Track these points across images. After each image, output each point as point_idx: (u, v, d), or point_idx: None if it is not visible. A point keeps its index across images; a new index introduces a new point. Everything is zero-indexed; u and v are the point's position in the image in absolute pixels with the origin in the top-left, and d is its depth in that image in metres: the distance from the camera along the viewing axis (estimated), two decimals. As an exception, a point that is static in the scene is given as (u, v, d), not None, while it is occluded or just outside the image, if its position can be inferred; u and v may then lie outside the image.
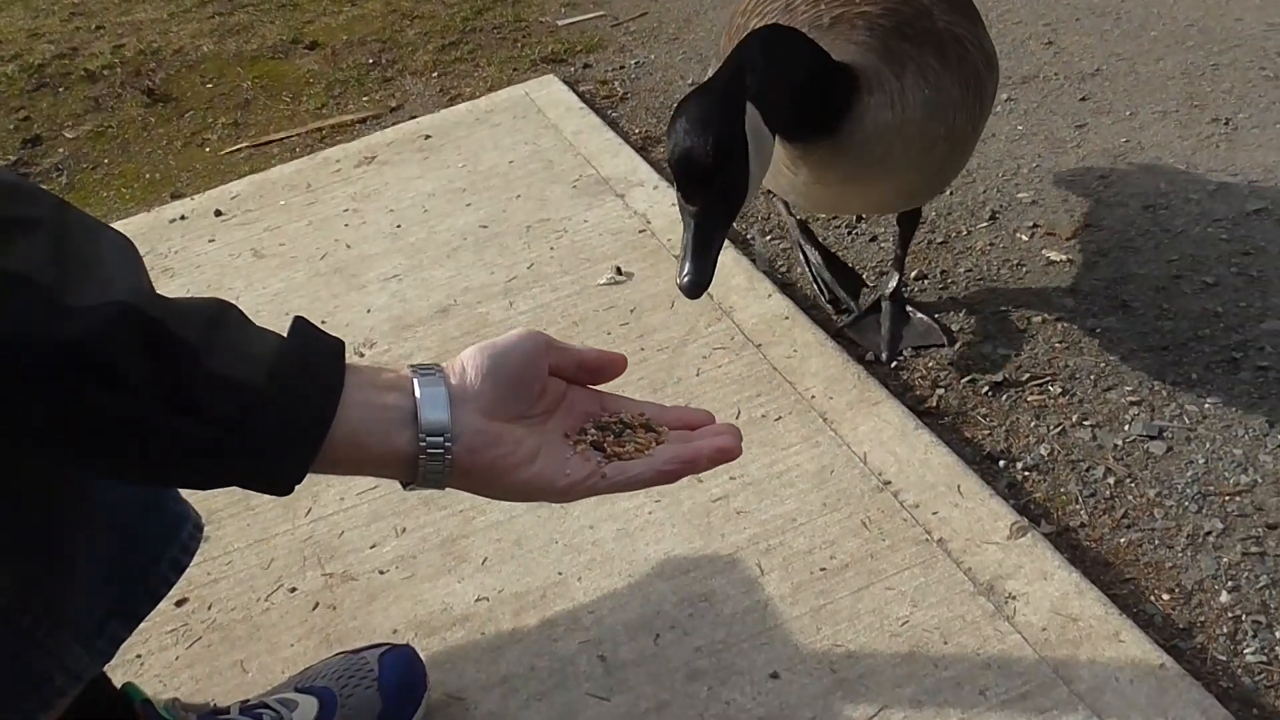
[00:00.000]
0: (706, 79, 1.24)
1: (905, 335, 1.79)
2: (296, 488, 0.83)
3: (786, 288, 1.95)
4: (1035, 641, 1.24)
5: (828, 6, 1.47)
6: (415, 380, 0.86)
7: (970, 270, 1.95)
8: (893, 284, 1.82)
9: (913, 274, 1.95)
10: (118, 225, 2.46)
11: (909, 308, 1.83)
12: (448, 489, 0.88)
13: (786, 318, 1.80)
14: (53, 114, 3.17)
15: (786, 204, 1.93)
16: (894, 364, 1.75)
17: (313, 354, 0.83)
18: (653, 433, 0.89)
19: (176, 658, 1.42)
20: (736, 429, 0.89)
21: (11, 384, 0.73)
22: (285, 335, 0.84)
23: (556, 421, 0.91)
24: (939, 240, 2.04)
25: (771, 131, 1.23)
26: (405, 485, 0.89)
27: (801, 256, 1.96)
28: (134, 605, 1.02)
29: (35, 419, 0.75)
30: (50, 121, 3.14)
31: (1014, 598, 1.29)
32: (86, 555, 0.97)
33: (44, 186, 2.80)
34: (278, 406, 0.80)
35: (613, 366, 0.94)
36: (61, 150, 3.00)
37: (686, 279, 1.16)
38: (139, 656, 1.42)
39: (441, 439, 0.84)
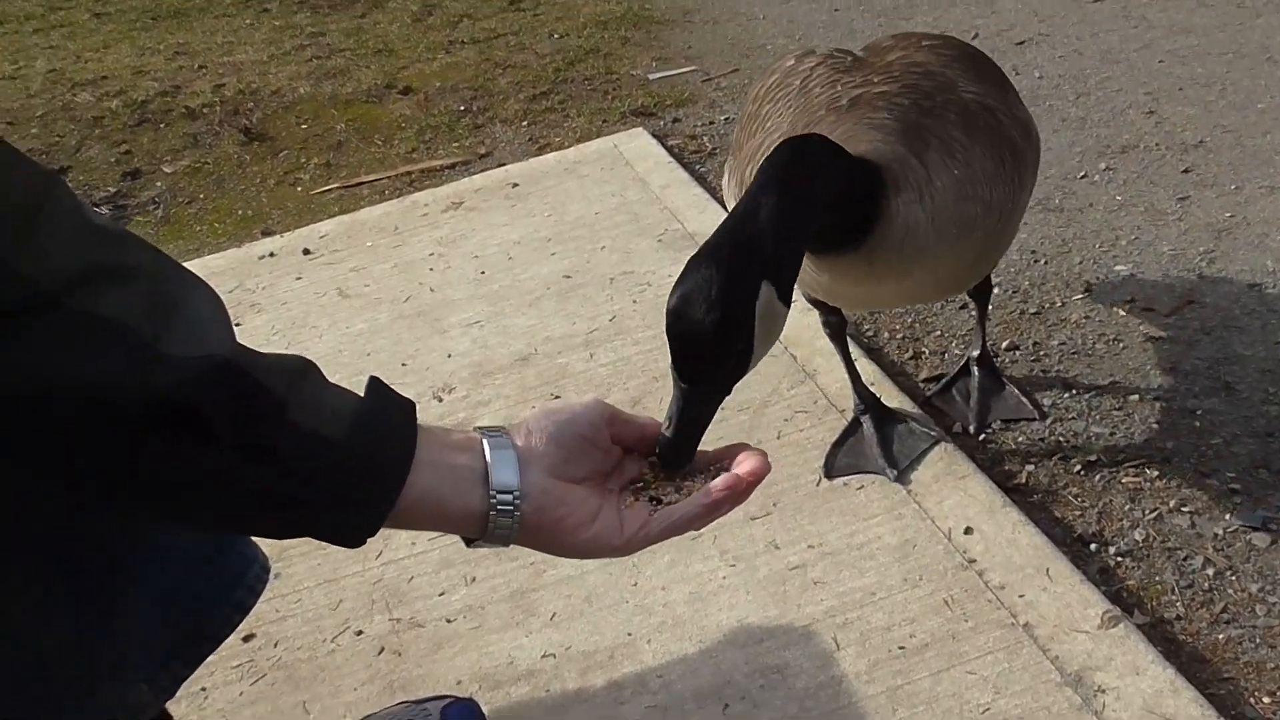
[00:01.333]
0: (720, 232, 1.04)
1: (994, 407, 1.73)
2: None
3: (873, 352, 1.91)
4: (1126, 739, 1.18)
5: (844, 88, 1.36)
6: (485, 441, 0.88)
7: (1064, 343, 1.89)
8: (977, 351, 1.77)
9: (1004, 344, 1.90)
10: (209, 259, 2.53)
11: (998, 378, 1.77)
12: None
13: (873, 383, 1.75)
14: (153, 149, 3.25)
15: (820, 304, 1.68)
16: (981, 436, 1.70)
17: (388, 413, 0.86)
18: (702, 474, 0.93)
19: (240, 693, 1.40)
20: (761, 451, 0.92)
21: (103, 432, 0.73)
22: (362, 395, 0.85)
23: (613, 483, 0.94)
24: (1032, 311, 1.99)
25: (786, 305, 1.07)
26: (469, 543, 0.90)
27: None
28: (197, 645, 1.02)
29: (123, 467, 0.75)
30: (150, 156, 3.21)
31: (1104, 691, 1.23)
32: (150, 595, 0.97)
33: (141, 219, 2.88)
34: (357, 461, 0.81)
35: None
36: (159, 184, 3.07)
37: (666, 456, 0.98)
38: (204, 689, 1.41)
39: (511, 497, 0.86)
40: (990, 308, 1.83)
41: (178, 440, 0.75)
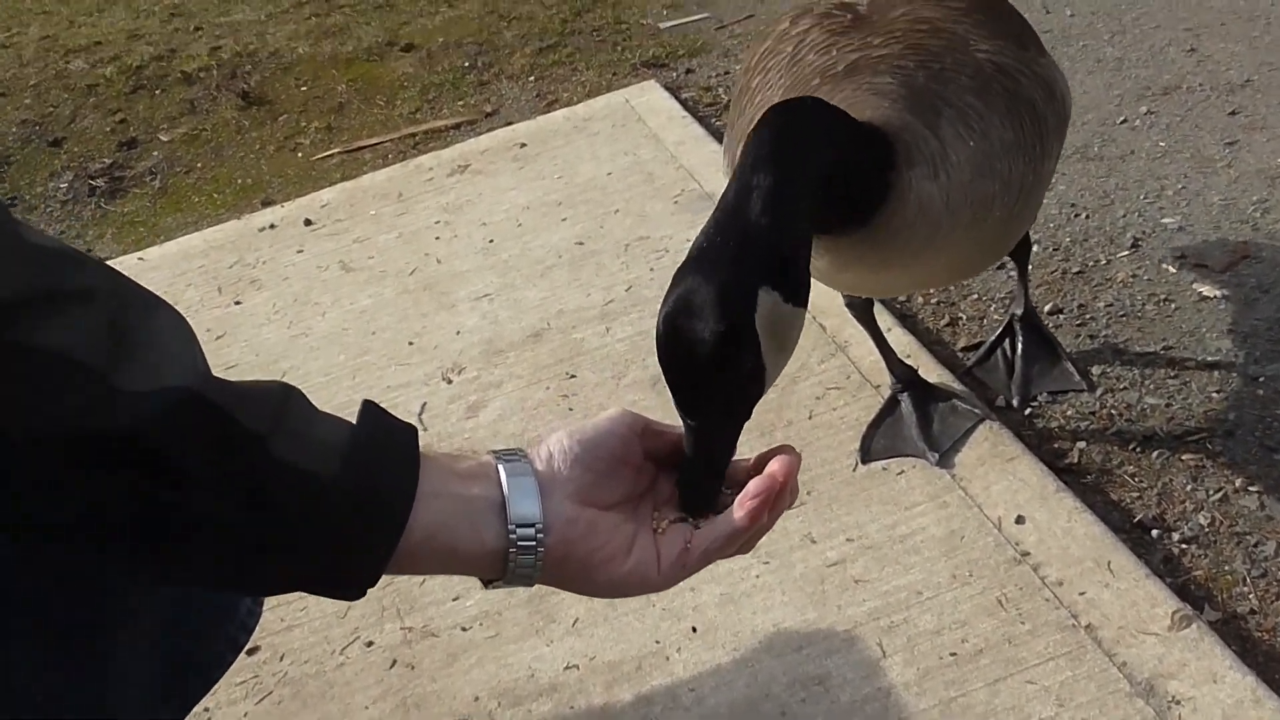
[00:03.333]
0: (707, 231, 0.89)
1: (1039, 377, 1.62)
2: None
3: (906, 320, 1.80)
4: (1206, 757, 1.08)
5: (840, 53, 1.21)
6: (500, 467, 0.78)
7: (1111, 305, 1.77)
8: (1020, 309, 1.63)
9: (1046, 307, 1.79)
10: (208, 233, 2.42)
11: (1045, 340, 1.64)
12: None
13: (908, 355, 1.64)
14: (149, 117, 3.13)
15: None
16: (1027, 410, 1.59)
17: (386, 441, 0.75)
18: (739, 487, 0.82)
19: (245, 714, 1.32)
20: (787, 447, 0.83)
21: (58, 480, 0.63)
22: (355, 422, 0.76)
23: (647, 506, 0.84)
24: (1074, 270, 1.87)
25: (798, 306, 0.91)
26: (487, 584, 0.80)
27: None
28: (188, 690, 0.93)
29: (85, 518, 0.65)
30: (146, 124, 3.10)
31: (1178, 702, 1.13)
32: (135, 645, 0.88)
33: (138, 192, 2.77)
34: (352, 498, 0.72)
35: None
36: (156, 153, 2.95)
37: (687, 503, 0.85)
38: (207, 710, 1.33)
39: (533, 530, 0.76)
40: (1030, 266, 1.71)
41: (146, 484, 0.65)
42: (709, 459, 0.83)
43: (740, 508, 0.79)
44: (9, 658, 0.83)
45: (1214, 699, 1.12)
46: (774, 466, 0.80)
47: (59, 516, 0.65)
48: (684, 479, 0.84)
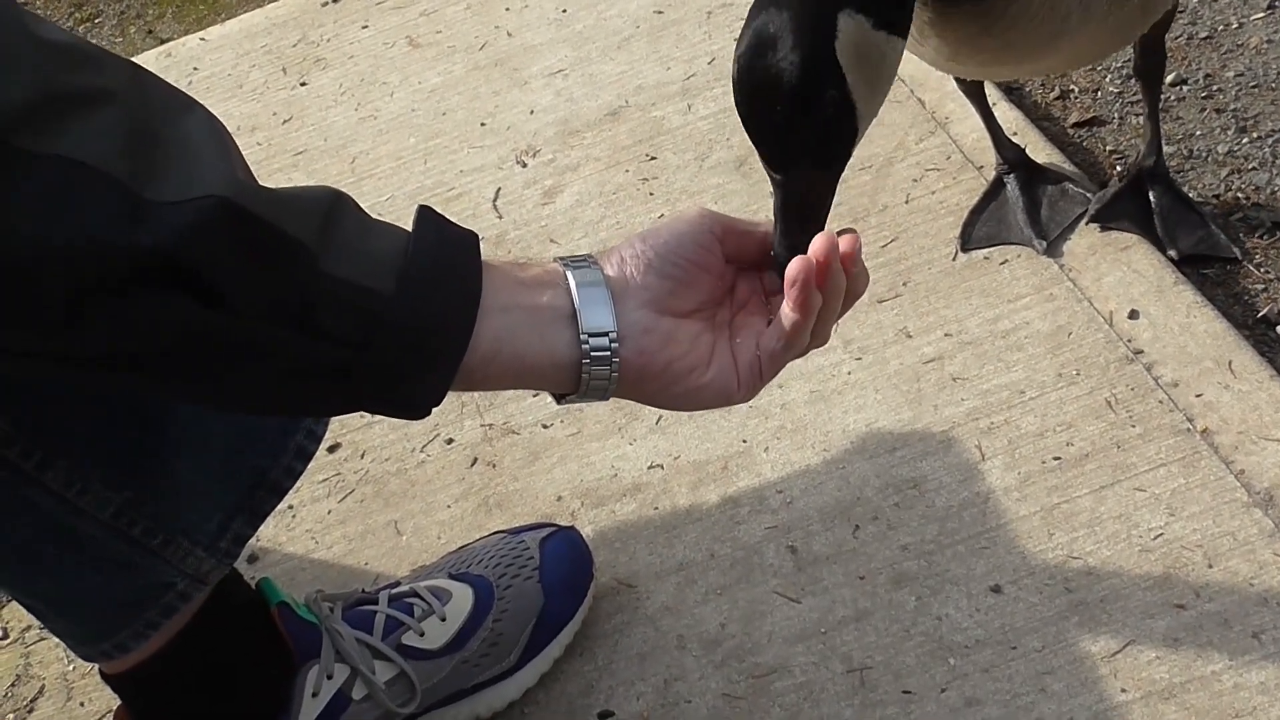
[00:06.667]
0: None
1: (1179, 237, 1.37)
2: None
3: (1013, 93, 1.66)
4: (1327, 573, 1.02)
5: None
6: (569, 274, 0.72)
7: (1242, 75, 1.61)
8: (1150, 160, 1.39)
9: (1169, 78, 1.63)
10: (269, 9, 2.31)
11: (1179, 197, 1.39)
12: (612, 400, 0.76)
13: (1015, 132, 1.52)
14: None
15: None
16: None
17: (445, 250, 0.69)
18: None
19: (329, 511, 1.32)
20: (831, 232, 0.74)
21: (87, 303, 0.58)
22: (411, 229, 0.69)
23: (725, 313, 0.78)
24: (1201, 35, 1.69)
25: (897, 35, 0.81)
26: (560, 399, 0.75)
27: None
28: (258, 503, 0.91)
29: (120, 344, 0.60)
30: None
31: (1300, 513, 1.06)
32: (197, 456, 0.86)
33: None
34: (411, 315, 0.66)
35: None
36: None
37: (781, 251, 0.78)
38: (291, 508, 1.33)
39: (607, 339, 0.71)
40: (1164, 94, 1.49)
41: (182, 305, 0.60)
42: (800, 216, 0.76)
43: (787, 297, 0.72)
44: (85, 475, 0.81)
45: (1340, 511, 1.06)
46: (813, 245, 0.72)
47: (97, 348, 0.60)
48: (778, 241, 0.77)
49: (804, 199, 0.77)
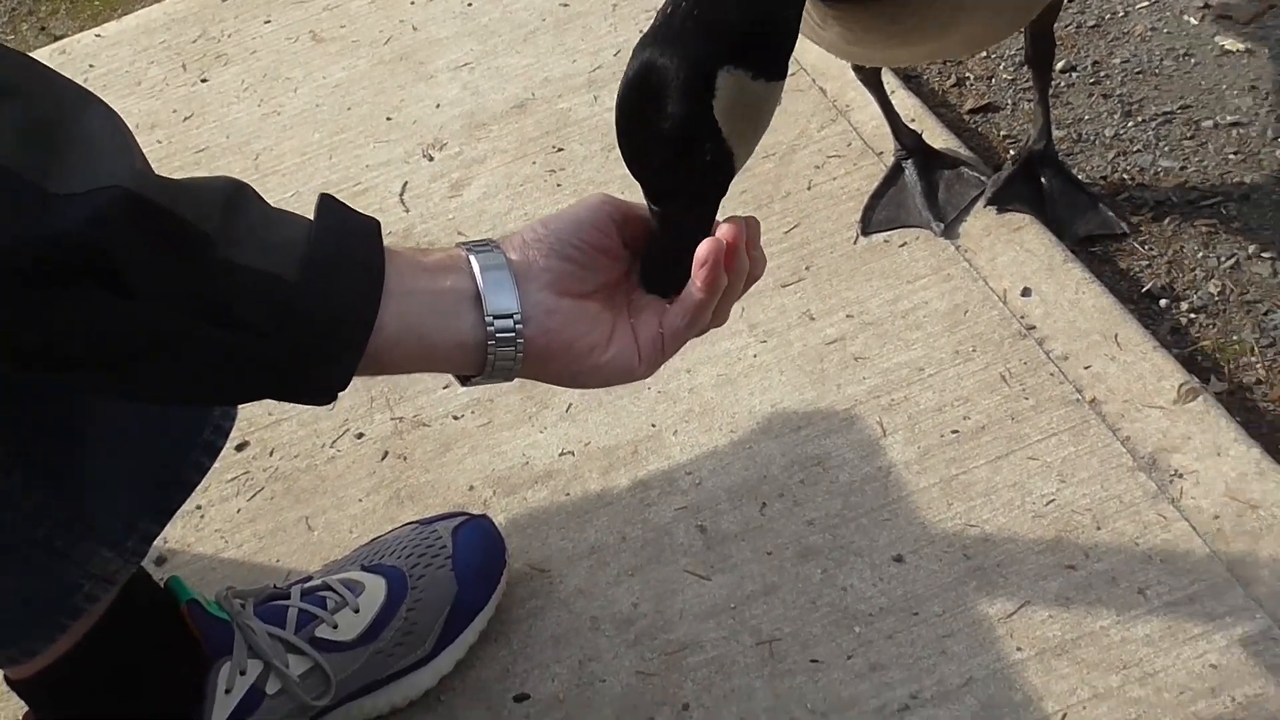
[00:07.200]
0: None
1: (1071, 220, 1.42)
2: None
3: (911, 80, 1.70)
4: (1206, 532, 1.07)
5: None
6: (471, 257, 0.73)
7: (1127, 61, 1.67)
8: (1041, 145, 1.42)
9: (1059, 65, 1.68)
10: (168, 4, 2.27)
11: (1069, 178, 1.44)
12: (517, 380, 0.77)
13: (913, 119, 1.56)
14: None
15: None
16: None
17: (348, 237, 0.70)
18: None
19: (238, 510, 1.31)
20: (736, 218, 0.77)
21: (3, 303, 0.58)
22: (313, 217, 0.70)
23: (623, 294, 0.80)
24: (1089, 23, 1.75)
25: (774, 79, 0.78)
26: (465, 382, 0.76)
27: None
28: (164, 500, 0.91)
29: (26, 337, 0.60)
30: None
31: (1180, 476, 1.11)
32: (103, 454, 0.85)
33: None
34: (313, 301, 0.67)
35: None
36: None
37: (650, 286, 0.80)
38: (199, 508, 1.32)
39: (511, 320, 0.73)
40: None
41: (88, 295, 0.60)
42: (675, 243, 0.78)
43: (695, 277, 0.74)
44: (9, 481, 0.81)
45: (1217, 472, 1.10)
46: (721, 229, 0.75)
47: (8, 340, 0.60)
48: (647, 262, 0.79)
49: (680, 227, 0.77)
